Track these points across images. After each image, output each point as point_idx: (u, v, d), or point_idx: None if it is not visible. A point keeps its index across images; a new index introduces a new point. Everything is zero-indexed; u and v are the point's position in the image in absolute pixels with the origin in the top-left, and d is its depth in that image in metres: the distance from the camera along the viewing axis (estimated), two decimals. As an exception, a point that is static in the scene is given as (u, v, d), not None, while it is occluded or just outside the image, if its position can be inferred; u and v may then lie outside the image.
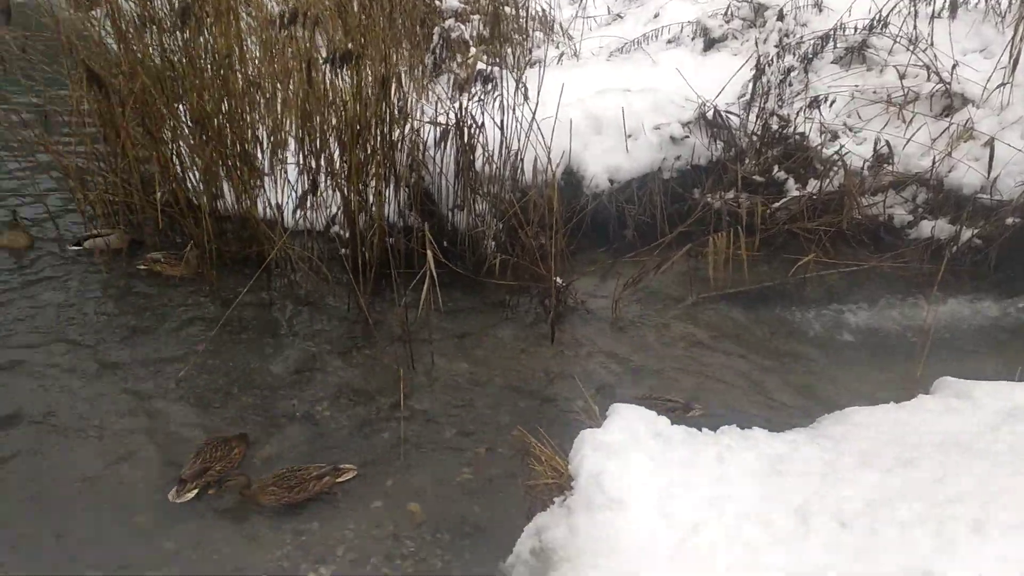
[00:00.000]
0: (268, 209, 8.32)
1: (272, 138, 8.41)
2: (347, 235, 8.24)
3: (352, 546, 5.28)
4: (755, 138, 9.30)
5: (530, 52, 10.83)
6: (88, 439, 6.03)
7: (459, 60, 10.20)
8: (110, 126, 8.02)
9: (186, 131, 8.01)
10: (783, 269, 8.28)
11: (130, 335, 7.25)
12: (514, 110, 7.71)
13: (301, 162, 8.15)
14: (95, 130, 8.39)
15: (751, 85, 9.45)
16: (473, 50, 9.67)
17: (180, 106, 7.93)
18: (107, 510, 5.39)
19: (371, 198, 7.94)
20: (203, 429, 6.19)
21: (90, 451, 5.92)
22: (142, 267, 8.11)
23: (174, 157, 8.28)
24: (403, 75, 8.20)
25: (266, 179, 8.35)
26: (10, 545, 5.08)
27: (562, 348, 7.38)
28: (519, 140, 7.94)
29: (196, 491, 5.52)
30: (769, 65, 9.48)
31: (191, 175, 8.36)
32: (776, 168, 9.22)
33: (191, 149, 7.99)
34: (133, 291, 7.92)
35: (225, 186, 8.42)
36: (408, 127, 7.89)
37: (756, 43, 10.10)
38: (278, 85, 8.37)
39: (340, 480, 5.73)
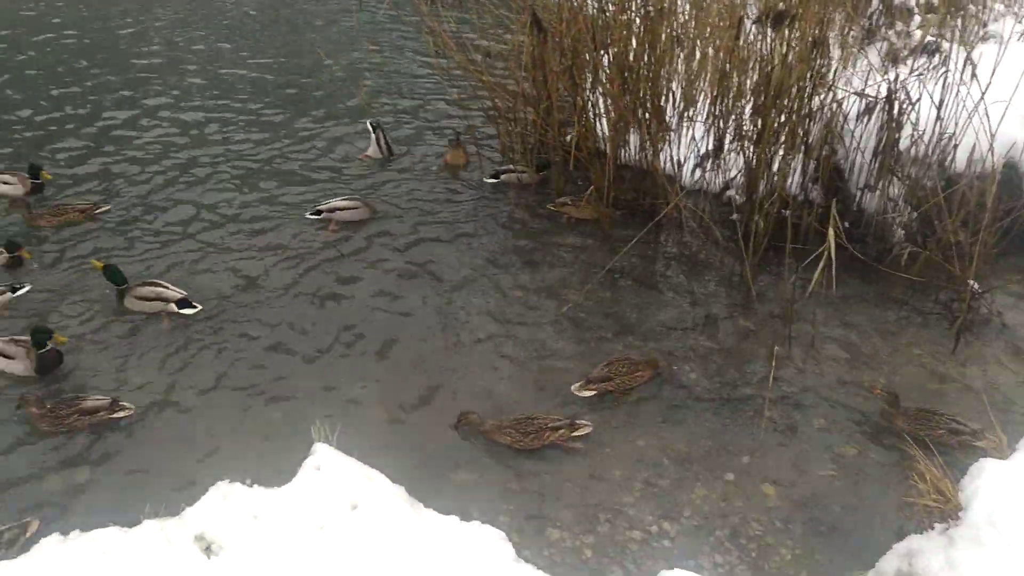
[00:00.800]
0: (669, 164, 8.39)
1: (684, 94, 8.42)
2: (743, 200, 8.04)
3: (698, 511, 5.26)
4: None
5: (985, 25, 9.54)
6: (469, 352, 6.69)
7: (897, 28, 9.32)
8: (540, 69, 8.58)
9: (604, 80, 8.30)
10: None
11: (525, 265, 7.83)
12: (958, 89, 6.87)
13: (709, 121, 8.09)
14: (526, 73, 9.01)
15: None
16: (917, 18, 8.76)
17: (604, 55, 8.22)
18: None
19: (775, 166, 7.64)
20: (574, 362, 6.54)
21: (473, 365, 6.56)
22: (551, 208, 8.65)
23: (590, 104, 8.67)
24: (830, 41, 7.71)
25: (671, 134, 8.42)
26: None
27: (965, 361, 6.57)
28: (956, 123, 7.08)
29: (594, 392, 6.11)
30: None
31: (602, 123, 8.69)
32: None
33: (608, 97, 8.26)
34: (534, 226, 8.52)
35: (631, 136, 8.64)
36: (829, 96, 7.42)
37: None
38: (699, 42, 8.34)
39: (575, 435, 5.78)
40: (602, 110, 8.59)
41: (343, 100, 11.24)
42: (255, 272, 7.62)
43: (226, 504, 3.69)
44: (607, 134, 8.48)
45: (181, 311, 6.92)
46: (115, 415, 5.79)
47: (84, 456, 5.61)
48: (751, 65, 7.68)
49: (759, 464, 5.64)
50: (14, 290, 6.98)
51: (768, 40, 7.29)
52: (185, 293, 7.02)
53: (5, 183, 8.63)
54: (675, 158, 8.37)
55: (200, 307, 7.00)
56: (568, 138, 8.90)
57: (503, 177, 9.14)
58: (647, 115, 8.21)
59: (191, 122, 10.57)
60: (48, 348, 6.21)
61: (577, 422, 5.84)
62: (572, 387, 6.20)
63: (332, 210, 8.33)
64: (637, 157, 8.68)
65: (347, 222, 8.33)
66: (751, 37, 7.53)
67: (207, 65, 12.44)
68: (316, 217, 8.37)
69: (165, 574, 3.41)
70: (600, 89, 8.46)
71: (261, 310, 7.12)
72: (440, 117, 10.90)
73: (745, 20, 7.42)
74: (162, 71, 12.15)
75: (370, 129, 9.67)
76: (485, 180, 9.21)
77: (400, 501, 3.91)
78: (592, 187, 8.44)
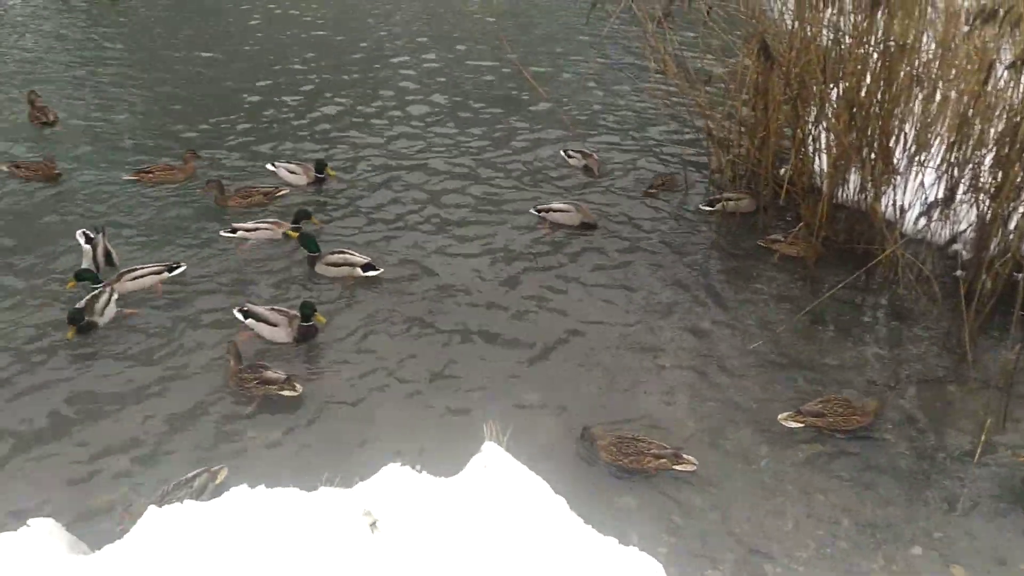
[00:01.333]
0: (890, 208, 7.88)
1: (917, 137, 7.87)
2: (970, 257, 7.41)
3: (875, 583, 4.90)
4: None
5: None
6: (653, 375, 6.59)
7: None
8: (762, 97, 8.32)
9: (830, 114, 7.93)
10: None
11: (723, 295, 7.62)
12: None
13: (942, 168, 7.52)
14: (747, 99, 8.78)
15: None
16: None
17: (833, 89, 7.85)
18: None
19: (1013, 223, 6.98)
20: (757, 402, 6.30)
21: (653, 389, 6.46)
22: (761, 243, 8.32)
23: (810, 138, 8.31)
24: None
25: (897, 177, 7.90)
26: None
27: None
28: None
29: (801, 425, 5.94)
30: None
31: (821, 158, 8.30)
32: None
33: (832, 133, 7.88)
34: (739, 257, 8.26)
35: (852, 175, 8.20)
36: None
37: None
38: (941, 83, 7.76)
39: (676, 468, 5.57)
40: (823, 145, 8.21)
41: (564, 109, 11.47)
42: (457, 264, 7.95)
43: (394, 486, 3.83)
44: (826, 170, 8.09)
45: (366, 274, 7.55)
46: (283, 392, 6.14)
47: (276, 418, 6.04)
48: (998, 113, 7.07)
49: (952, 544, 5.16)
50: (171, 269, 7.46)
51: (1021, 88, 6.69)
52: (370, 259, 7.61)
53: (292, 172, 9.34)
54: (898, 203, 7.85)
55: (382, 270, 7.60)
56: (782, 171, 8.57)
57: (718, 206, 8.89)
58: (873, 155, 7.76)
59: (416, 117, 11.16)
60: (311, 322, 6.74)
61: (683, 456, 5.64)
62: (779, 416, 6.03)
63: (548, 210, 8.61)
64: (856, 198, 8.22)
65: (559, 224, 8.57)
66: (1001, 83, 6.94)
67: (439, 65, 13.08)
68: (535, 214, 8.69)
69: (333, 539, 3.60)
70: (824, 123, 8.09)
71: (457, 301, 7.41)
72: (654, 136, 10.84)
73: (997, 65, 6.83)
74: (397, 67, 12.91)
75: (565, 156, 10.04)
76: (700, 207, 9.01)
77: (560, 512, 3.90)
78: (802, 224, 8.08)
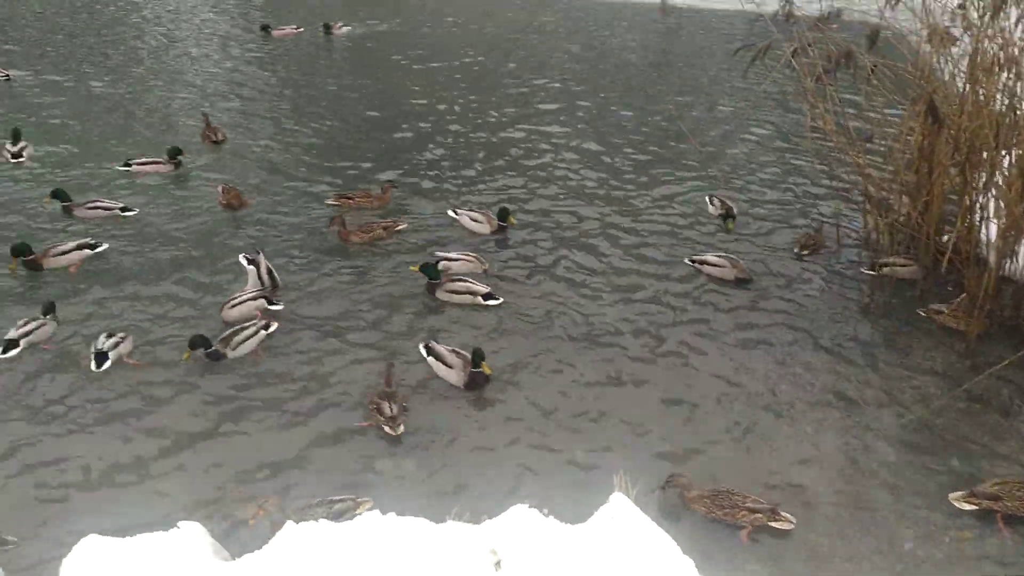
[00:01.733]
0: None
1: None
2: None
3: None
4: None
5: None
6: (792, 440, 6.36)
7: None
8: (927, 161, 7.97)
9: (1001, 182, 7.49)
10: None
11: (873, 364, 7.29)
12: None
13: None
14: (911, 161, 8.43)
15: None
16: None
17: (1006, 156, 7.43)
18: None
19: None
20: (898, 478, 5.96)
21: (791, 455, 6.24)
22: (921, 312, 7.88)
23: (978, 206, 7.89)
24: None
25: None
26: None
27: None
28: None
29: (976, 507, 5.61)
30: None
31: (988, 228, 7.85)
32: None
33: (1002, 201, 7.44)
34: (893, 325, 7.90)
35: (1022, 247, 7.70)
36: None
37: None
38: None
39: (773, 524, 5.38)
40: (991, 214, 7.76)
41: (717, 159, 11.39)
42: (602, 309, 8.01)
43: (521, 527, 3.85)
44: (993, 241, 7.63)
45: (487, 303, 7.87)
46: (384, 427, 6.25)
47: (411, 450, 6.21)
48: None
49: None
50: (270, 302, 7.65)
51: None
52: (490, 288, 7.93)
53: (475, 220, 9.52)
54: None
55: (502, 299, 7.89)
56: (945, 238, 8.15)
57: (883, 269, 8.51)
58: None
59: (570, 163, 11.38)
60: (479, 369, 6.81)
61: (781, 513, 5.44)
62: (951, 495, 5.71)
63: (703, 262, 8.63)
64: (1024, 271, 7.72)
65: (712, 277, 8.53)
66: None
67: (594, 110, 13.28)
68: (688, 264, 8.71)
69: (457, 573, 3.66)
70: (994, 191, 7.66)
71: (599, 348, 7.44)
72: (809, 192, 10.62)
73: None
74: (554, 111, 13.19)
75: (708, 202, 10.09)
76: (863, 271, 8.68)
77: (687, 574, 3.81)
78: (964, 295, 7.64)
